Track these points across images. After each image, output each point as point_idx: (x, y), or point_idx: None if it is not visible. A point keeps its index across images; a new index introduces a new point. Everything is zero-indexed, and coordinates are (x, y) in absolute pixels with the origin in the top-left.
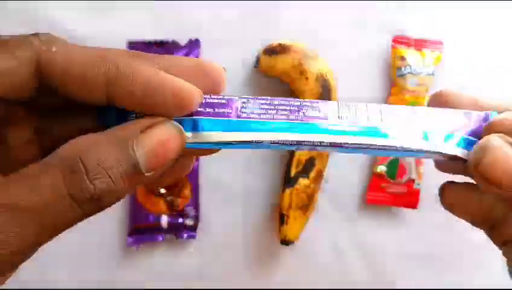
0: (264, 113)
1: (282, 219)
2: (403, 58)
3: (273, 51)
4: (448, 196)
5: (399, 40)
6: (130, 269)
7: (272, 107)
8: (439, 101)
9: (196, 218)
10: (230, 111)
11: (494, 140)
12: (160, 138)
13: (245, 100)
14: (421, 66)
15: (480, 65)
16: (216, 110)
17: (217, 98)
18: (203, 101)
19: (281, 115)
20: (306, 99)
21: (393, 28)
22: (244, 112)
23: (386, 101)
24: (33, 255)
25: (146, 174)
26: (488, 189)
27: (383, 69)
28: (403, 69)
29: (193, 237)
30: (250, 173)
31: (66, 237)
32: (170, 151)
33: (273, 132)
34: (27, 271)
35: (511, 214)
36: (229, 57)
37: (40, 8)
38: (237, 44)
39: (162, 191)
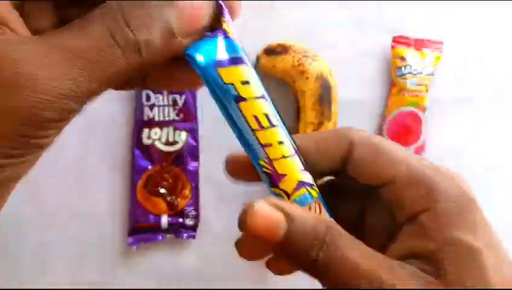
0: None
1: None
2: (403, 58)
3: (273, 51)
4: (231, 167)
5: (399, 40)
6: (130, 269)
7: None
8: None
9: (196, 218)
10: None
11: (258, 205)
12: (192, 5)
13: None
14: (421, 66)
15: (480, 65)
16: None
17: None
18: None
19: None
20: None
21: (393, 28)
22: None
23: (386, 101)
24: (33, 256)
25: (178, 38)
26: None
27: (383, 69)
28: (403, 69)
29: (193, 237)
30: None
31: (67, 237)
32: (199, 18)
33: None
34: (27, 271)
35: None
36: None
37: None
38: None
39: (162, 191)
